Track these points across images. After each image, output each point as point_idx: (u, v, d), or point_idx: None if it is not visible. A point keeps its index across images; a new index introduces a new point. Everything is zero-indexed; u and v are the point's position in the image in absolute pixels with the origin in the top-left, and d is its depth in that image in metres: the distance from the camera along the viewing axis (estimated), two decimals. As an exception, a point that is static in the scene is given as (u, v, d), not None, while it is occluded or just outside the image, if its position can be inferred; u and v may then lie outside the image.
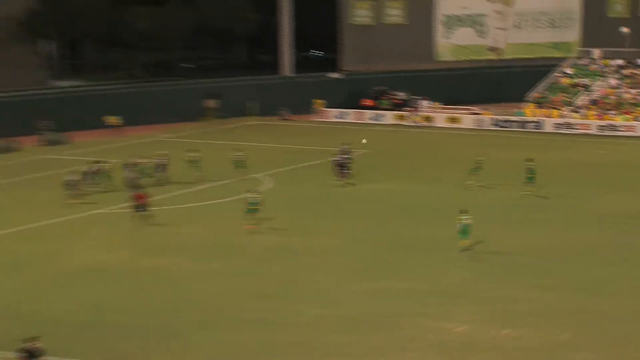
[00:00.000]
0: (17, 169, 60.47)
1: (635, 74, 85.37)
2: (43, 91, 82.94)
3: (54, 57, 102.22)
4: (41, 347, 27.03)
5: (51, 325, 32.36)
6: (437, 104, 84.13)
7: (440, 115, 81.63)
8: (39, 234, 44.55)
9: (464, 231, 40.91)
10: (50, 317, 33.37)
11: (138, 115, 77.50)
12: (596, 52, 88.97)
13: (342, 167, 55.09)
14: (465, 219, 40.98)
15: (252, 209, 45.45)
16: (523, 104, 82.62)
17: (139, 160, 55.47)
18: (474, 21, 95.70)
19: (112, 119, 73.85)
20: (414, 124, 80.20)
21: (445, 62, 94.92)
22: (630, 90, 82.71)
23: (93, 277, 38.01)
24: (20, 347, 27.13)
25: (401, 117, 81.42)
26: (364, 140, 57.18)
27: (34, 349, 26.91)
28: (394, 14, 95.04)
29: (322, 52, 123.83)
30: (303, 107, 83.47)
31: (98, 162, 55.08)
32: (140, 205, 46.14)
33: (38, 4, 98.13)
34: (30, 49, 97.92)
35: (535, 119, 78.98)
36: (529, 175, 52.42)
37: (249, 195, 46.11)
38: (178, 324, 32.83)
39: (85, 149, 62.89)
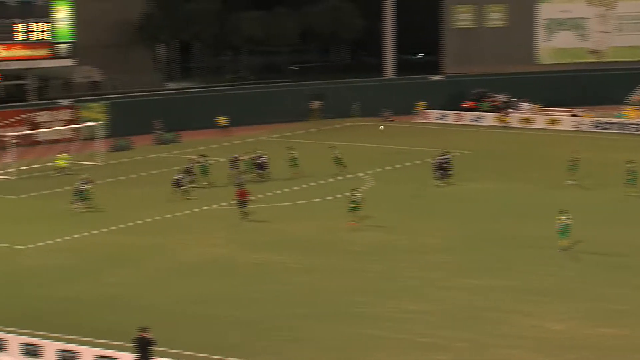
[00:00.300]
0: (131, 166, 61.66)
1: None
2: (157, 93, 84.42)
3: (167, 60, 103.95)
4: (151, 337, 27.49)
5: (161, 317, 32.95)
6: (537, 106, 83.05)
7: (540, 117, 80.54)
8: (149, 229, 45.35)
9: (564, 231, 40.36)
10: (161, 309, 33.97)
11: (245, 116, 78.30)
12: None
13: (442, 170, 54.76)
14: (565, 219, 40.41)
15: (354, 207, 45.60)
16: (623, 106, 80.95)
17: (242, 157, 56.38)
18: (576, 24, 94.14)
19: (221, 120, 74.77)
20: (501, 125, 79.34)
21: (546, 64, 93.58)
22: None
23: (201, 271, 38.56)
24: (133, 337, 27.67)
25: (500, 119, 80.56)
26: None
27: (144, 339, 27.39)
28: (495, 17, 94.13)
29: (424, 55, 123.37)
30: (404, 109, 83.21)
31: (204, 156, 56.30)
32: (242, 201, 46.68)
33: (154, 9, 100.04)
34: (145, 53, 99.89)
35: (635, 121, 77.30)
36: (630, 177, 51.41)
37: (352, 193, 46.24)
38: (284, 317, 33.10)
39: (194, 148, 63.70)
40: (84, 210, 48.61)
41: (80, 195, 48.92)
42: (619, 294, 35.19)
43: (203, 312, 33.56)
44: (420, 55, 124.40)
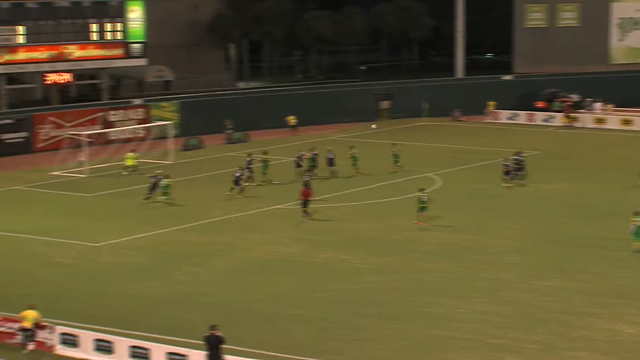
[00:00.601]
0: (201, 165, 62.19)
1: None
2: (227, 92, 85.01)
3: (238, 59, 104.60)
4: (221, 335, 27.68)
5: (230, 315, 33.19)
6: (610, 106, 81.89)
7: (612, 117, 79.38)
8: (219, 228, 45.69)
9: (638, 233, 39.72)
10: (230, 307, 34.21)
11: (314, 115, 78.43)
12: None
13: (517, 170, 54.14)
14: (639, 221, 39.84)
15: (422, 207, 45.48)
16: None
17: (306, 155, 56.70)
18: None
19: (290, 119, 75.03)
20: (572, 125, 78.39)
21: (619, 64, 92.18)
22: None
23: (269, 270, 38.75)
24: (203, 335, 27.89)
25: (571, 119, 79.56)
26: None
27: (215, 337, 27.60)
28: (568, 17, 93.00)
29: (495, 55, 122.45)
30: (475, 109, 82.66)
31: (266, 153, 57.19)
32: (305, 201, 46.81)
33: (225, 8, 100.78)
34: (216, 53, 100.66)
35: None
36: None
37: (419, 193, 46.14)
38: (351, 316, 33.11)
39: (263, 147, 63.96)
40: (164, 204, 49.50)
41: (163, 189, 50.09)
42: (694, 297, 34.55)
43: (271, 311, 33.71)
44: (491, 55, 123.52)
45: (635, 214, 40.20)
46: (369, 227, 45.41)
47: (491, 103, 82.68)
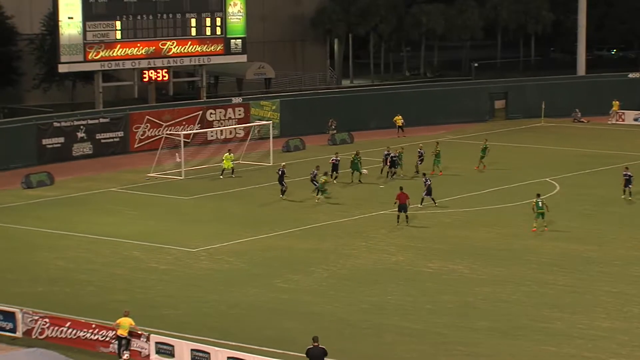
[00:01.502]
0: (304, 168, 62.38)
1: None
2: (331, 90, 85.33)
3: (342, 56, 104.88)
4: (324, 348, 27.71)
5: (333, 325, 33.25)
6: None
7: None
8: (322, 233, 45.83)
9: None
10: (332, 317, 34.27)
11: (423, 115, 78.16)
12: None
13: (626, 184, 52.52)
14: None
15: (540, 212, 45.00)
16: None
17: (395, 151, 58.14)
18: None
19: (398, 119, 74.86)
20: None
21: None
22: None
23: (375, 279, 38.69)
24: (306, 348, 27.96)
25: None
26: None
27: (318, 349, 27.63)
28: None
29: (621, 51, 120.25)
30: (597, 109, 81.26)
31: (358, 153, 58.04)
32: (403, 205, 46.61)
33: (328, 2, 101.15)
34: (319, 49, 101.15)
35: None
36: None
37: (536, 199, 45.61)
38: (463, 329, 32.85)
39: (369, 149, 63.94)
40: (322, 202, 51.14)
41: (320, 186, 51.49)
42: None
43: (377, 322, 33.67)
44: (616, 51, 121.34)
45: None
46: (481, 235, 45.04)
47: (615, 103, 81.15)
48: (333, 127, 72.79)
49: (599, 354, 30.59)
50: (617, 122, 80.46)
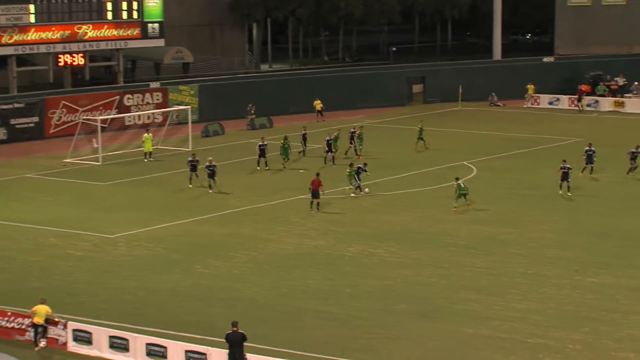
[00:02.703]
0: (222, 153, 62.22)
1: None
2: (250, 75, 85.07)
3: (261, 41, 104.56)
4: (243, 333, 27.68)
5: (253, 310, 33.23)
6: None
7: (661, 102, 78.82)
8: (242, 219, 45.74)
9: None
10: (253, 302, 34.24)
11: (342, 99, 78.40)
12: None
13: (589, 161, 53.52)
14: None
15: (462, 193, 46.10)
16: None
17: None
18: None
19: (317, 104, 74.96)
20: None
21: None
22: None
23: (295, 264, 38.73)
24: (225, 333, 27.90)
25: (618, 104, 79.06)
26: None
27: (237, 334, 27.59)
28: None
29: (535, 36, 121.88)
30: (513, 92, 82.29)
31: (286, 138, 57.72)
32: (315, 191, 46.67)
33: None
34: (238, 33, 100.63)
35: None
36: None
37: (458, 181, 46.20)
38: (381, 313, 33.06)
39: (288, 134, 63.97)
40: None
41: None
42: None
43: (297, 307, 33.71)
44: (530, 36, 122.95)
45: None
46: (400, 219, 45.36)
47: (530, 87, 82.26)
48: (252, 112, 72.61)
49: (514, 334, 31.02)
50: (533, 106, 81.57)
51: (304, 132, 60.72)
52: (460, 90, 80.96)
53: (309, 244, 41.41)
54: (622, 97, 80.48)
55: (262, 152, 56.50)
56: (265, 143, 56.95)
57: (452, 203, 46.29)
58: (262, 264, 38.78)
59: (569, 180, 49.06)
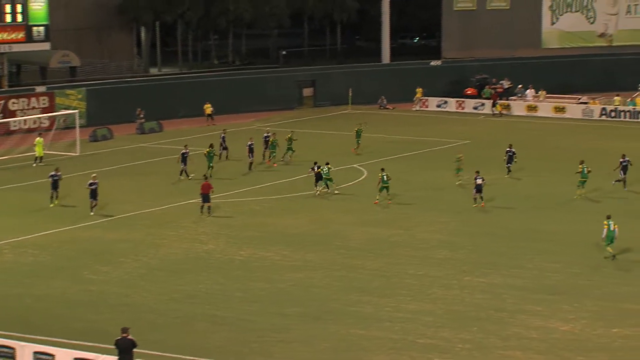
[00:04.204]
0: (111, 157, 61.50)
1: None
2: (138, 79, 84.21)
3: (149, 44, 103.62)
4: (133, 339, 27.35)
5: (144, 316, 32.88)
6: (542, 93, 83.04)
7: (545, 105, 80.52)
8: (131, 224, 45.24)
9: (610, 237, 38.67)
10: (143, 308, 33.88)
11: (233, 103, 78.24)
12: None
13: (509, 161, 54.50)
14: (611, 224, 38.76)
15: (384, 186, 47.87)
16: (635, 93, 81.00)
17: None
18: (583, 6, 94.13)
19: (207, 108, 74.63)
20: (495, 114, 79.37)
21: (552, 49, 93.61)
22: None
23: (186, 268, 38.44)
24: (115, 339, 27.52)
25: (504, 107, 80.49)
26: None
27: (126, 340, 27.24)
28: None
29: (423, 39, 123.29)
30: (402, 95, 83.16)
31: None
32: (205, 195, 46.49)
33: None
34: (126, 36, 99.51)
35: (647, 109, 77.27)
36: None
37: (382, 173, 48.05)
38: (273, 316, 33.01)
39: (178, 138, 63.58)
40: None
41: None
42: (632, 291, 35.17)
43: (188, 312, 33.46)
44: (418, 39, 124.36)
45: (608, 217, 39.26)
46: (291, 222, 45.39)
47: (419, 90, 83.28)
48: (141, 116, 71.91)
49: (405, 335, 31.29)
50: (421, 109, 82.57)
51: (222, 135, 59.54)
52: (350, 94, 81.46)
53: (200, 249, 41.16)
54: (507, 99, 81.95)
55: (185, 161, 54.15)
56: (188, 151, 54.52)
57: (378, 193, 47.14)
58: (153, 269, 38.40)
59: (482, 193, 47.71)
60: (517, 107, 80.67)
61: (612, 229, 38.73)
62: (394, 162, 59.13)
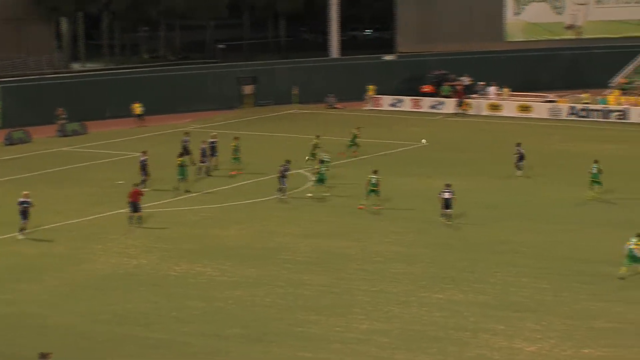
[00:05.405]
0: (32, 162, 61.10)
1: None
2: (59, 75, 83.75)
3: (72, 37, 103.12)
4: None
5: (68, 339, 32.76)
6: (506, 90, 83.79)
7: (509, 103, 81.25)
8: (54, 237, 45.03)
9: (633, 257, 38.24)
10: (67, 330, 33.75)
11: (165, 102, 78.07)
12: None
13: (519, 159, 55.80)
14: (635, 244, 38.20)
15: (372, 189, 48.56)
16: (606, 90, 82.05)
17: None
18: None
19: (136, 107, 74.44)
20: (459, 113, 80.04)
21: (516, 42, 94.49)
22: None
23: (115, 286, 38.35)
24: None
25: (462, 105, 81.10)
26: (423, 141, 56.95)
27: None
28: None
29: (375, 31, 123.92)
30: (352, 94, 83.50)
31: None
32: (134, 203, 46.41)
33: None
34: (45, 28, 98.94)
35: (620, 107, 78.35)
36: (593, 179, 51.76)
37: (371, 176, 48.52)
38: (215, 338, 33.04)
39: (105, 141, 63.46)
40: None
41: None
42: (602, 308, 35.62)
43: (118, 333, 33.38)
44: (371, 32, 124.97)
45: (638, 235, 38.52)
46: (232, 233, 45.43)
47: (371, 87, 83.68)
48: (63, 116, 71.54)
49: (357, 358, 31.45)
50: (374, 108, 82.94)
51: (212, 140, 58.20)
52: (295, 92, 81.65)
53: (130, 264, 41.07)
54: (467, 98, 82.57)
55: (144, 169, 53.30)
56: (147, 157, 53.63)
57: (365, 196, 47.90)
58: (77, 287, 38.25)
59: (452, 208, 47.09)
60: (479, 106, 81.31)
61: (632, 247, 38.19)
62: (344, 168, 59.33)
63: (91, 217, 48.24)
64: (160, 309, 35.78)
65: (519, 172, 56.05)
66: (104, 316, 35.11)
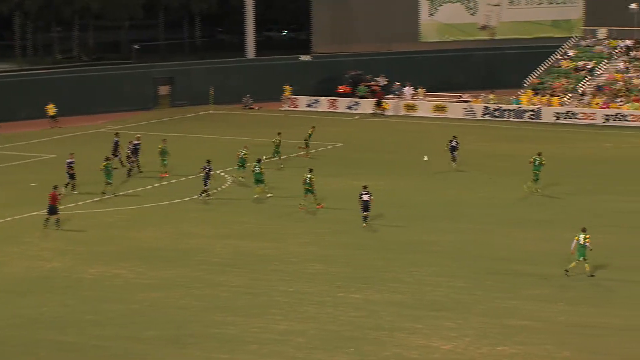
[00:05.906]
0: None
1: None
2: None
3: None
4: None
5: (-18, 343, 32.36)
6: (421, 91, 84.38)
7: (424, 104, 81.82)
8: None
9: (583, 251, 38.74)
10: (-19, 334, 33.33)
11: (80, 103, 77.39)
12: (602, 32, 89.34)
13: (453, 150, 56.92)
14: (584, 238, 38.79)
15: (308, 189, 48.60)
16: (519, 90, 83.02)
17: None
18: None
19: (50, 108, 73.67)
20: (380, 113, 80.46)
21: (431, 42, 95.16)
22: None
23: (30, 289, 37.92)
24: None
25: (379, 106, 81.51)
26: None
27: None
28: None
29: (291, 32, 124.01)
30: (268, 94, 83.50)
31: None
32: (51, 206, 45.95)
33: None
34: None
35: (533, 107, 79.32)
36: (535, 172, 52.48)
37: (308, 174, 48.80)
38: (131, 341, 32.83)
39: (18, 143, 62.70)
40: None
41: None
42: (517, 306, 36.03)
43: (31, 338, 33.02)
44: (286, 32, 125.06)
45: (584, 230, 39.19)
46: (147, 235, 45.19)
47: (287, 87, 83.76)
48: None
49: (274, 358, 31.48)
50: (290, 108, 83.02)
51: (136, 142, 57.51)
52: (212, 92, 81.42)
53: (44, 267, 40.65)
54: (384, 98, 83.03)
55: (71, 174, 52.43)
56: (74, 160, 52.73)
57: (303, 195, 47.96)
58: (-10, 291, 37.79)
59: (368, 212, 46.66)
60: (396, 106, 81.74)
61: (582, 242, 38.80)
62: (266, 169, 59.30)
63: (5, 220, 47.64)
64: (75, 312, 35.48)
65: (454, 164, 57.05)
66: (17, 320, 34.71)
